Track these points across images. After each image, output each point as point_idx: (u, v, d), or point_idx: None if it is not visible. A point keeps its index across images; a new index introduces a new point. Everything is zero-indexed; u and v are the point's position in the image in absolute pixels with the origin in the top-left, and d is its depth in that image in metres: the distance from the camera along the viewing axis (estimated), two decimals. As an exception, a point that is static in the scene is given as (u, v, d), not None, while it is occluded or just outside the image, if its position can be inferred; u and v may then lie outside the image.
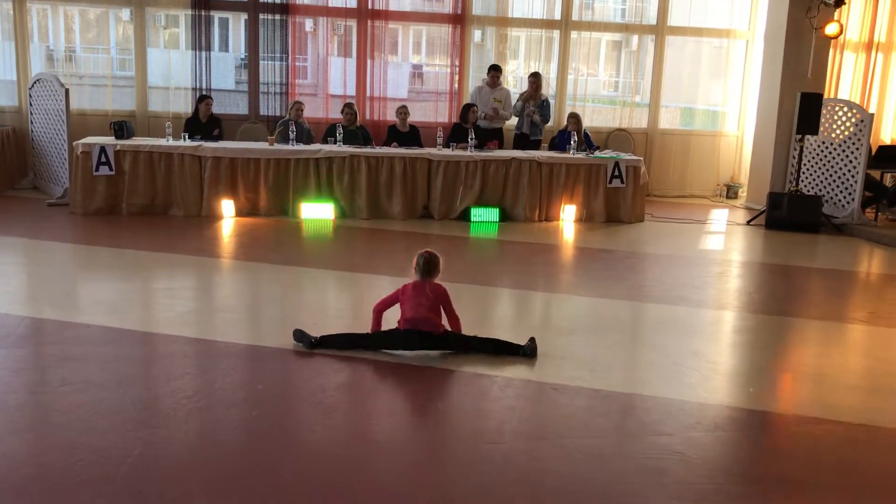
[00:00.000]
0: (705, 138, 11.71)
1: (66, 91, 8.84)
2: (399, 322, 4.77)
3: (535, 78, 10.07)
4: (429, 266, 4.79)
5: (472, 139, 9.29)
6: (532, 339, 4.80)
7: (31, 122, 9.75)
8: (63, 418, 3.80)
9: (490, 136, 9.80)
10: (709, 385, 4.52)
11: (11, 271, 6.42)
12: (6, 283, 6.00)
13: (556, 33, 11.11)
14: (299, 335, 4.80)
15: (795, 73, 10.22)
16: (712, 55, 12.05)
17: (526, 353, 4.72)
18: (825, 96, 10.25)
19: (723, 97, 11.92)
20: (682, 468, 3.50)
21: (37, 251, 7.01)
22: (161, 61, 10.61)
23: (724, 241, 8.90)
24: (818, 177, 10.10)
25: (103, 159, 8.32)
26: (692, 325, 5.69)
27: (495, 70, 10.04)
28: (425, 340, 4.70)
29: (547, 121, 10.25)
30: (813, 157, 10.14)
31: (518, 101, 10.14)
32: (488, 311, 5.93)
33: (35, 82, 9.51)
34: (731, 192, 11.60)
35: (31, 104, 9.68)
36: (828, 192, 9.96)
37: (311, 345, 4.73)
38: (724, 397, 4.37)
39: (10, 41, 10.04)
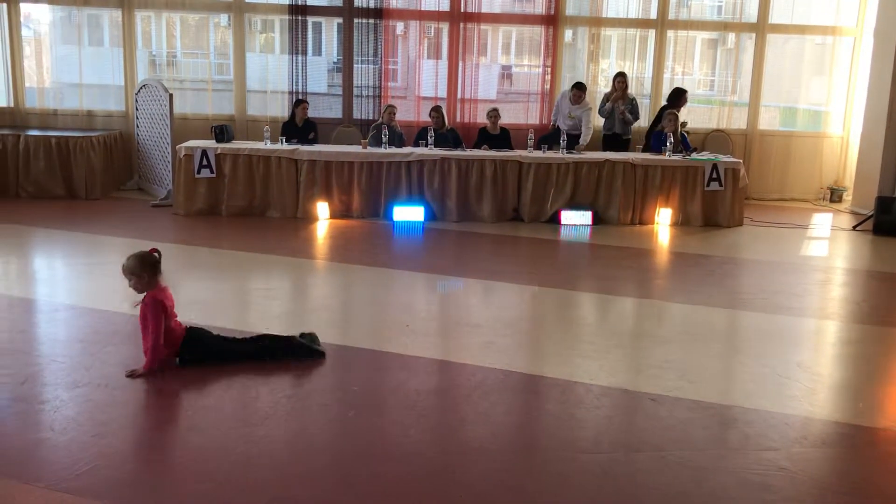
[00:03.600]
0: (808, 139, 11.27)
1: (171, 96, 9.17)
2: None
3: (623, 78, 9.94)
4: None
5: (563, 140, 9.21)
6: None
7: (137, 126, 10.17)
8: (167, 415, 3.94)
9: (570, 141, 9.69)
10: (814, 398, 4.33)
11: (118, 270, 6.69)
12: (113, 282, 6.23)
13: (650, 32, 10.90)
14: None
15: (907, 70, 9.72)
16: (815, 53, 11.58)
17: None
18: (941, 95, 9.71)
19: (826, 97, 11.44)
20: (787, 484, 3.37)
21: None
22: (258, 65, 10.90)
23: (828, 247, 8.54)
24: (931, 180, 9.58)
25: (205, 162, 8.61)
26: (795, 334, 5.49)
27: (579, 89, 9.86)
28: None
29: (637, 118, 10.10)
30: (926, 159, 9.62)
31: (605, 101, 10.04)
32: (579, 316, 5.84)
33: (141, 88, 9.91)
34: (834, 195, 11.12)
35: (137, 109, 10.10)
36: (942, 196, 9.43)
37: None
38: (830, 412, 4.18)
39: (119, 48, 10.48)
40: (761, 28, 10.92)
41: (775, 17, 10.94)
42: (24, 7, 10.42)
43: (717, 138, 10.94)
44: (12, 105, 10.42)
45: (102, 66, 10.67)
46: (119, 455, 3.43)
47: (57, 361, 4.47)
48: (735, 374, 4.73)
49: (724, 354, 5.07)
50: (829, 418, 4.08)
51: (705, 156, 9.41)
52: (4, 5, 10.20)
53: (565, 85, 10.62)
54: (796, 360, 4.91)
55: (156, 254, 4.39)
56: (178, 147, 8.77)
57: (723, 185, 9.07)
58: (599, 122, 10.22)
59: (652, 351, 5.00)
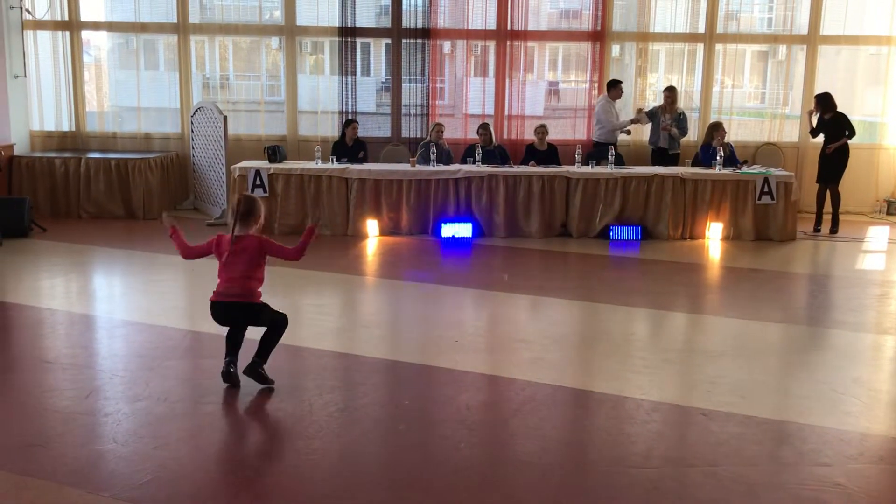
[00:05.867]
0: (862, 151, 11.03)
1: (225, 118, 9.40)
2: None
3: (671, 93, 9.93)
4: (247, 209, 4.35)
5: (611, 156, 9.19)
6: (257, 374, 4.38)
7: (193, 148, 10.44)
8: (225, 427, 4.04)
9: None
10: (871, 414, 4.26)
11: (175, 288, 6.89)
12: (172, 299, 6.45)
13: (699, 46, 10.84)
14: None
15: (966, 79, 9.49)
16: (870, 63, 11.38)
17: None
18: None
19: (882, 107, 11.22)
20: (843, 501, 3.32)
21: (197, 269, 7.44)
22: (308, 86, 11.12)
23: (885, 261, 8.36)
24: None
25: (258, 182, 8.81)
26: (851, 350, 5.39)
27: (618, 87, 10.01)
28: (236, 313, 4.37)
29: (685, 133, 10.06)
30: None
31: (650, 110, 10.04)
32: (629, 331, 5.82)
33: (197, 110, 10.19)
34: (891, 208, 10.88)
35: (192, 131, 10.38)
36: None
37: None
38: (888, 428, 4.10)
39: (173, 71, 10.80)
40: (812, 39, 10.78)
41: (827, 28, 10.78)
42: (84, 34, 10.80)
43: (768, 151, 10.81)
44: (74, 129, 10.79)
45: (159, 89, 11.00)
46: (178, 467, 3.53)
47: (118, 376, 4.62)
48: (789, 389, 4.67)
49: (778, 370, 5.01)
50: (887, 434, 4.00)
51: (756, 169, 9.31)
52: (67, 33, 10.59)
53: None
54: (852, 375, 4.82)
55: (237, 203, 4.39)
56: (232, 168, 8.98)
57: (775, 198, 8.95)
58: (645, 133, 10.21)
59: (703, 366, 4.96)
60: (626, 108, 10.57)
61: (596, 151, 9.74)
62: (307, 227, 4.55)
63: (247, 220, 4.37)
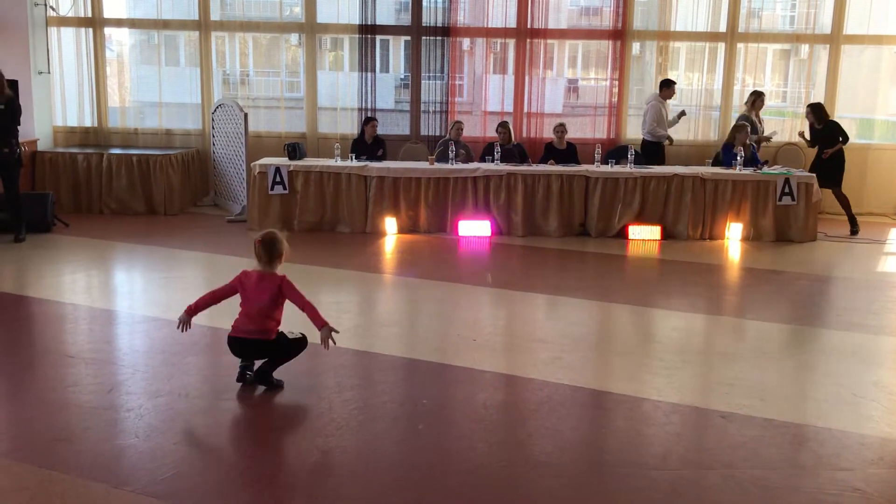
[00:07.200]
0: (886, 152, 10.95)
1: (245, 115, 9.45)
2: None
3: (763, 98, 10.02)
4: (269, 248, 4.44)
5: (631, 154, 9.17)
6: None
7: (213, 144, 10.51)
8: (246, 424, 4.09)
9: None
10: (891, 419, 4.23)
11: (194, 284, 6.93)
12: (193, 295, 6.44)
13: (720, 45, 10.78)
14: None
15: None
16: (893, 62, 11.26)
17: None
18: None
19: (906, 107, 11.12)
20: (862, 507, 3.31)
21: (217, 265, 7.53)
22: (328, 83, 11.15)
23: (907, 263, 8.29)
24: None
25: (278, 179, 8.86)
26: (871, 353, 5.35)
27: (673, 85, 10.02)
28: (253, 349, 4.45)
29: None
30: None
31: (752, 125, 9.91)
32: (648, 332, 5.81)
33: (217, 107, 10.25)
34: (914, 209, 10.79)
35: (213, 127, 10.44)
36: None
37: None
38: (909, 433, 4.08)
39: (196, 67, 10.87)
40: (835, 39, 10.68)
41: (850, 27, 10.69)
42: (106, 30, 10.89)
43: (789, 152, 10.73)
44: (96, 125, 10.89)
45: (180, 85, 11.07)
46: (199, 462, 3.58)
47: (140, 371, 4.67)
48: (808, 392, 4.65)
49: (797, 372, 4.98)
50: (908, 439, 3.98)
51: (777, 170, 9.25)
52: (90, 29, 10.69)
53: (633, 98, 10.57)
54: (873, 379, 4.80)
55: (259, 243, 4.49)
56: (252, 164, 9.04)
57: (795, 199, 8.90)
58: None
59: (722, 368, 4.95)
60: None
61: (646, 149, 9.70)
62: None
63: (270, 258, 4.48)
